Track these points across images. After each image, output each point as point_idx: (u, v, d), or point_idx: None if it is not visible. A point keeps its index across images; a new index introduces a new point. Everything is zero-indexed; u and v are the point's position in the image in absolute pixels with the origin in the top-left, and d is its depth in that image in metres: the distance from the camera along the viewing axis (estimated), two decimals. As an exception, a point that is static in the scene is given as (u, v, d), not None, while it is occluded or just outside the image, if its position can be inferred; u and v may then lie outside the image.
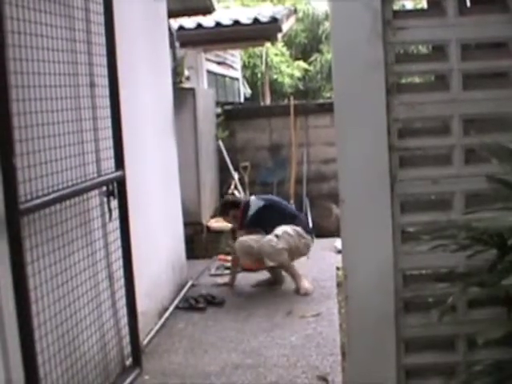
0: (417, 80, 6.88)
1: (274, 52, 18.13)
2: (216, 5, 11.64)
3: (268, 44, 15.55)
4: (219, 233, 9.56)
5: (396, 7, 3.56)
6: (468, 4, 3.66)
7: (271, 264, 7.29)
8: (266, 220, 7.57)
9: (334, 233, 7.78)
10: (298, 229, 7.43)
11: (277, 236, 7.22)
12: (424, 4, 4.09)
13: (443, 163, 3.53)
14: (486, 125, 3.53)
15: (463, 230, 2.96)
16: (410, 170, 3.50)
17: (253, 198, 7.97)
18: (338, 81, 3.47)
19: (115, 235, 4.77)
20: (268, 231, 7.40)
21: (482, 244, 2.83)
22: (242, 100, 16.98)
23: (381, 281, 3.50)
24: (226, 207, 8.15)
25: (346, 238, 3.56)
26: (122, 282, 4.86)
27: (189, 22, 11.95)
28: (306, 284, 7.32)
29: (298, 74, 19.31)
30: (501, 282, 2.63)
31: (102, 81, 4.59)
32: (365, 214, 3.45)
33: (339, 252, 7.53)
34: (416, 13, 3.88)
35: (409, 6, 11.92)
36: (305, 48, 21.70)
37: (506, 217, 2.75)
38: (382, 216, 3.43)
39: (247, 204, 7.77)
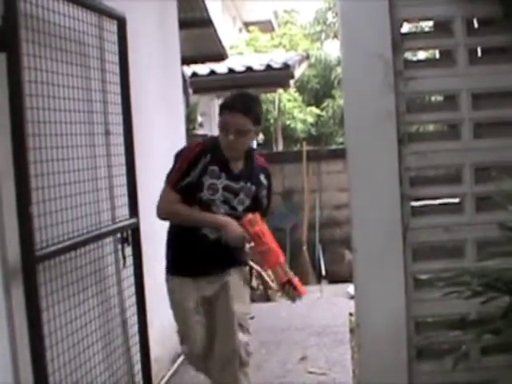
0: (430, 128, 6.91)
1: (287, 97, 18.13)
2: (229, 51, 11.75)
3: (280, 90, 15.60)
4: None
5: (407, 57, 3.61)
6: (479, 54, 3.71)
7: None
8: None
9: (347, 278, 7.78)
10: None
11: None
12: (437, 54, 4.12)
13: (455, 211, 3.55)
14: (498, 172, 3.55)
15: (476, 276, 2.97)
16: (421, 219, 3.53)
17: None
18: (349, 131, 3.50)
19: (129, 282, 4.78)
20: None
21: (496, 291, 2.83)
22: (255, 146, 17.00)
23: (393, 328, 3.50)
24: None
25: (359, 286, 3.57)
26: (135, 328, 4.86)
27: (202, 69, 12.01)
28: None
29: (310, 119, 19.27)
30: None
31: (117, 129, 4.64)
32: (377, 262, 3.47)
33: (352, 297, 7.49)
34: (427, 63, 3.92)
35: (421, 55, 12.01)
36: (317, 93, 21.68)
37: (518, 264, 2.76)
38: (394, 264, 3.45)
39: None
